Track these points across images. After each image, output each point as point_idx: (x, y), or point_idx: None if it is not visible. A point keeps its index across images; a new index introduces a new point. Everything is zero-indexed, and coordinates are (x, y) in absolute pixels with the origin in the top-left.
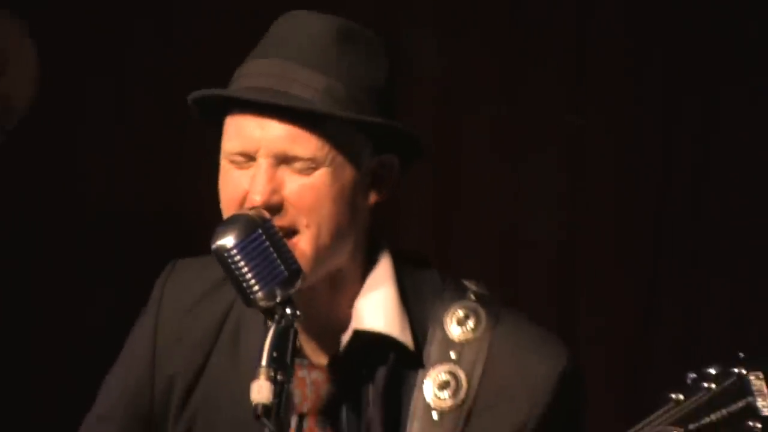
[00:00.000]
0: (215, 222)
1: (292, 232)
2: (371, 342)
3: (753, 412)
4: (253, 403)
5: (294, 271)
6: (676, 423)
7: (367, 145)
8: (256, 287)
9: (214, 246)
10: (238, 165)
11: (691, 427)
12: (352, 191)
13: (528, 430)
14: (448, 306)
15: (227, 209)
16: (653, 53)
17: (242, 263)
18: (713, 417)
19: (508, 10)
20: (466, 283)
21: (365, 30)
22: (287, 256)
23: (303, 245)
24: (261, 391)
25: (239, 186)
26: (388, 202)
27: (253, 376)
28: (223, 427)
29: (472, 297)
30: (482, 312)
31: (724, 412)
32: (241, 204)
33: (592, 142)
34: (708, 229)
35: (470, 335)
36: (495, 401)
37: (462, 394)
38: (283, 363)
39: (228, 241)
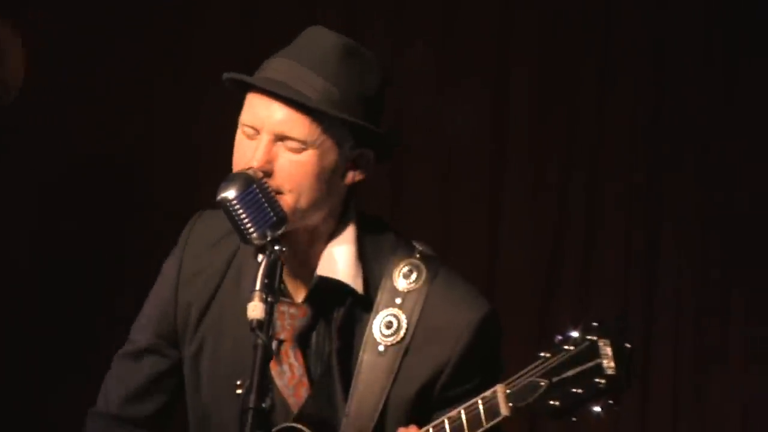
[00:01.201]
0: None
1: (277, 192)
2: (332, 287)
3: (600, 371)
4: (249, 319)
5: (281, 217)
6: (543, 376)
7: (349, 138)
8: (252, 229)
9: (218, 197)
10: (248, 135)
11: (554, 380)
12: (331, 172)
13: (450, 364)
14: (397, 262)
15: (235, 167)
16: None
17: (241, 211)
18: (571, 373)
19: None
20: (415, 244)
21: (367, 51)
22: (275, 206)
23: (284, 203)
24: (255, 309)
25: (246, 152)
26: None
27: (249, 299)
28: (227, 344)
29: (418, 256)
30: (423, 268)
31: (578, 369)
32: (244, 166)
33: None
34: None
35: (412, 286)
36: (428, 339)
37: (402, 332)
38: (272, 288)
39: (230, 193)
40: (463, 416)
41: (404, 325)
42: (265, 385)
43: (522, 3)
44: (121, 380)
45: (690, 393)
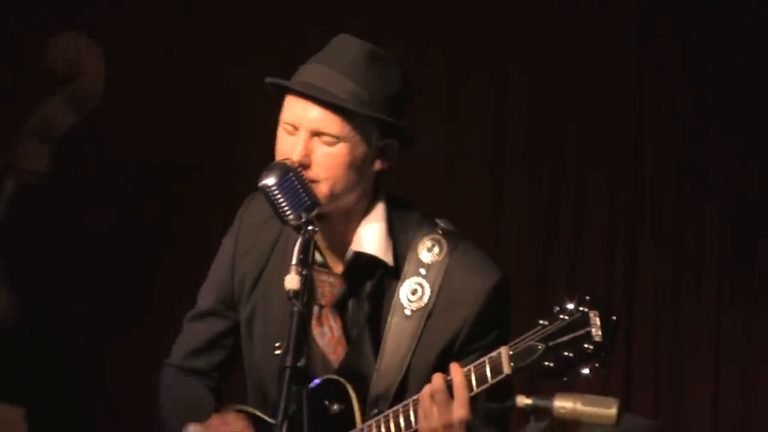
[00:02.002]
0: None
1: (313, 182)
2: (365, 260)
3: (589, 338)
4: (286, 290)
5: (313, 201)
6: (541, 341)
7: (376, 131)
8: (288, 212)
9: (260, 184)
10: (288, 132)
11: (550, 344)
12: (361, 161)
13: (468, 324)
14: (422, 237)
15: (278, 159)
16: None
17: (279, 196)
18: (564, 338)
19: None
20: (438, 221)
21: (390, 55)
22: (309, 192)
23: (321, 190)
24: (292, 281)
25: (287, 146)
26: None
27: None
28: (275, 310)
29: (440, 231)
30: (444, 243)
31: (571, 335)
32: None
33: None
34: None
35: (435, 258)
36: (449, 304)
37: (426, 298)
38: (307, 262)
39: (270, 181)
40: (473, 374)
41: (428, 292)
42: (300, 346)
43: (519, 7)
44: (187, 337)
45: (668, 360)
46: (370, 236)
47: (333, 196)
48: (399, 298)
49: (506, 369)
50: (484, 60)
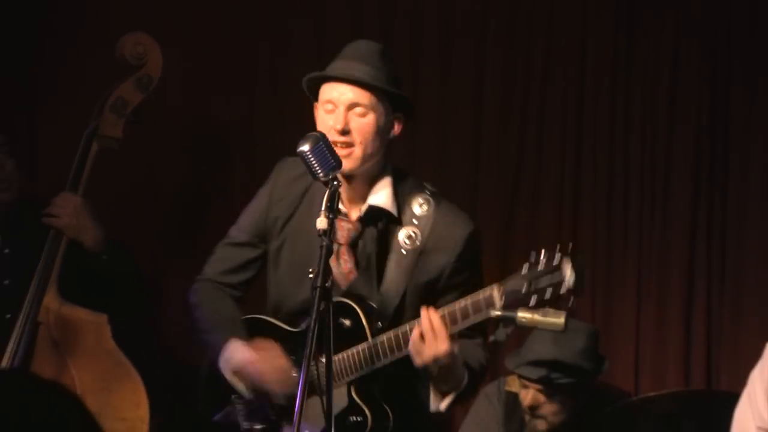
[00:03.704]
0: None
1: (350, 145)
2: (376, 210)
3: (563, 284)
4: (317, 228)
5: (338, 163)
6: (527, 282)
7: (390, 105)
8: (319, 170)
9: (298, 150)
10: (327, 111)
11: (533, 287)
12: (383, 129)
13: (451, 263)
14: (415, 197)
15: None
16: None
17: (312, 159)
18: (544, 281)
19: None
20: (425, 184)
21: (390, 51)
22: (335, 156)
23: (356, 152)
24: (321, 222)
25: (328, 122)
26: None
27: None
28: (300, 244)
29: (427, 192)
30: (431, 200)
31: (549, 281)
32: (329, 132)
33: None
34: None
35: (425, 213)
36: (435, 247)
37: (417, 242)
38: (332, 209)
39: (305, 147)
40: (470, 306)
41: (420, 237)
42: (327, 271)
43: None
44: (223, 260)
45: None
46: (381, 193)
47: (365, 157)
48: (398, 241)
49: (498, 303)
50: (469, 51)
